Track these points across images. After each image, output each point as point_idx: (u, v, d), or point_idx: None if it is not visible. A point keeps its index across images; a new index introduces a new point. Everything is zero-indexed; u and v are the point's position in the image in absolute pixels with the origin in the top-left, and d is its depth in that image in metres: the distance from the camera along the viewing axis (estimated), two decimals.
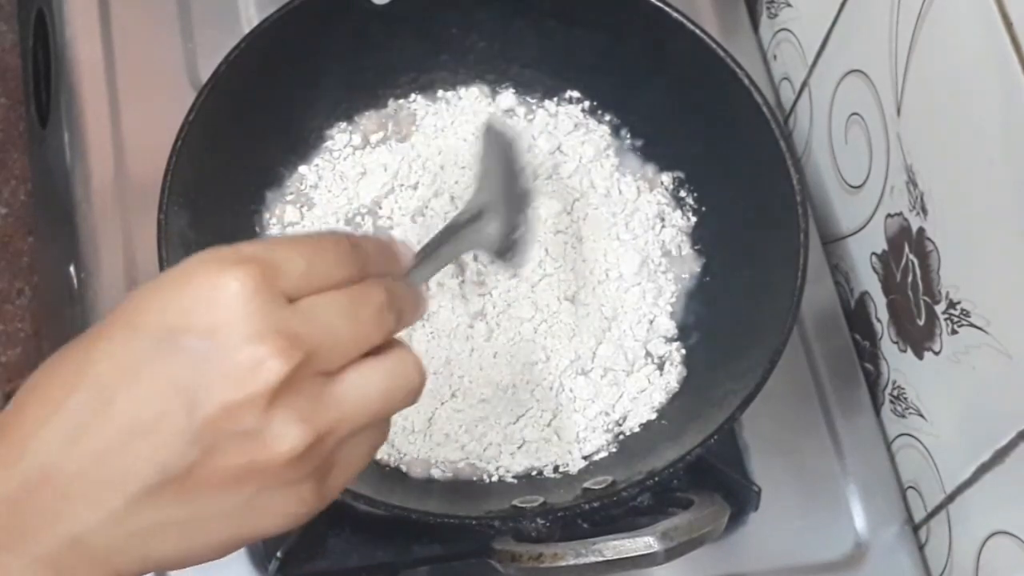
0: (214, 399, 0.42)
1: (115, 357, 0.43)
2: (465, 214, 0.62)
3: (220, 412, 0.42)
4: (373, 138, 0.80)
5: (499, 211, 0.63)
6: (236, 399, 0.42)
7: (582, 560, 0.60)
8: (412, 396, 0.47)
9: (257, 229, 0.77)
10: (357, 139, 0.80)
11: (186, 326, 0.42)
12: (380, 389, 0.45)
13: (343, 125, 0.80)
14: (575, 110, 0.82)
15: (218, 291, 0.42)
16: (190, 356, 0.42)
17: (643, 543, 0.60)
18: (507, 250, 0.64)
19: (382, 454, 0.72)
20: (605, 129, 0.82)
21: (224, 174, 0.75)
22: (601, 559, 0.60)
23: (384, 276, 0.47)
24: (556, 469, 0.73)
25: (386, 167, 0.79)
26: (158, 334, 0.42)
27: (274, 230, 0.77)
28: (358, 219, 0.78)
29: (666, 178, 0.81)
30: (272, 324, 0.42)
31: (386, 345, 0.46)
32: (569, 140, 0.81)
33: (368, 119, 0.81)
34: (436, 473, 0.72)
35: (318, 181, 0.79)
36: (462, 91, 0.82)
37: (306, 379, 0.43)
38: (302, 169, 0.79)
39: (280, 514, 0.44)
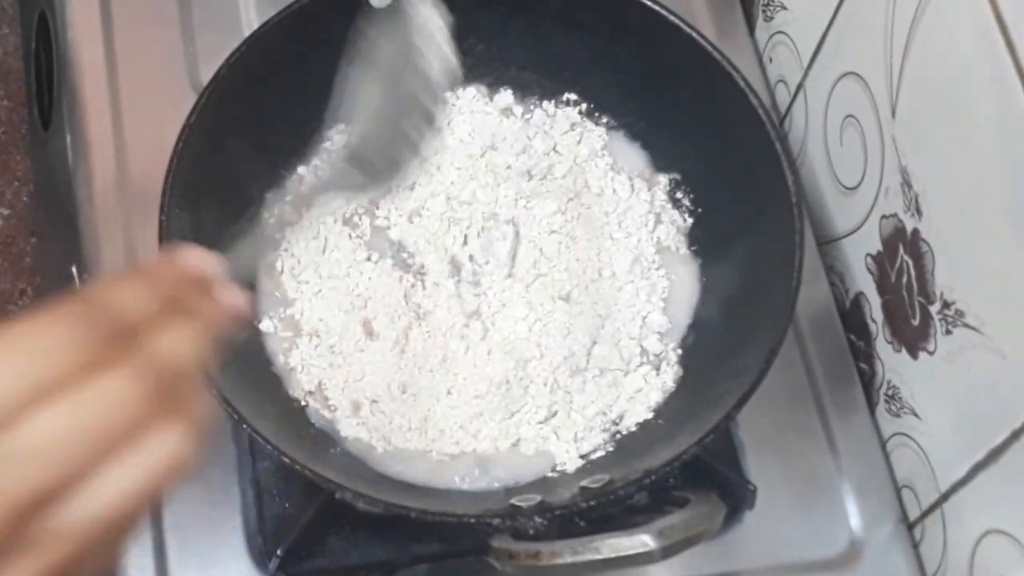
0: None
1: None
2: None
3: None
4: None
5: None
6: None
7: (579, 558, 0.61)
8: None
9: (258, 231, 0.78)
10: None
11: None
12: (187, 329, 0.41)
13: (341, 126, 0.81)
14: (572, 112, 0.83)
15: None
16: None
17: (639, 541, 0.60)
18: (387, 174, 0.61)
19: (380, 448, 0.73)
20: (602, 131, 0.82)
21: (225, 176, 0.75)
22: (598, 557, 0.60)
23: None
24: (554, 468, 0.73)
25: None
26: None
27: (272, 228, 0.78)
28: (355, 219, 0.79)
29: (663, 179, 0.81)
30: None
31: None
32: (565, 140, 0.82)
33: None
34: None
35: (316, 181, 0.79)
36: (459, 91, 0.82)
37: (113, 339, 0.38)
38: (301, 170, 0.80)
39: (157, 458, 0.38)
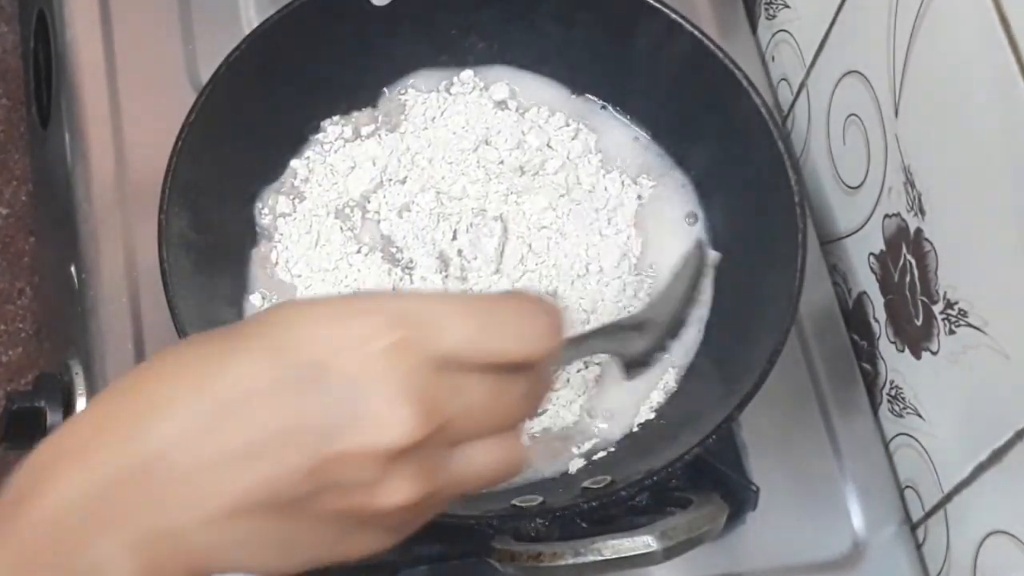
0: (340, 443, 0.42)
1: (254, 375, 0.43)
2: (630, 320, 0.65)
3: (342, 457, 0.42)
4: (364, 130, 0.80)
5: (658, 331, 0.65)
6: (361, 450, 0.42)
7: (581, 559, 0.60)
8: (508, 480, 0.48)
9: (257, 230, 0.77)
10: (348, 131, 0.80)
11: (332, 366, 0.42)
12: (490, 470, 0.46)
13: (336, 118, 0.81)
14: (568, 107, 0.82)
15: (373, 341, 0.42)
16: (329, 397, 0.42)
17: (642, 542, 0.60)
18: (636, 365, 0.65)
19: None
20: (596, 126, 0.82)
21: (224, 174, 0.75)
22: (600, 558, 0.60)
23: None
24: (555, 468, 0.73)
25: (375, 161, 0.79)
26: (302, 365, 0.43)
27: (266, 220, 0.77)
28: (347, 211, 0.78)
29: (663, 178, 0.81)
30: (416, 390, 0.42)
31: (506, 432, 0.47)
32: (559, 136, 0.81)
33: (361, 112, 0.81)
34: None
35: (309, 175, 0.79)
36: (456, 76, 0.82)
37: (431, 445, 0.43)
38: (294, 163, 0.79)
39: (363, 548, 0.45)
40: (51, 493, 0.43)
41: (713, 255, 0.76)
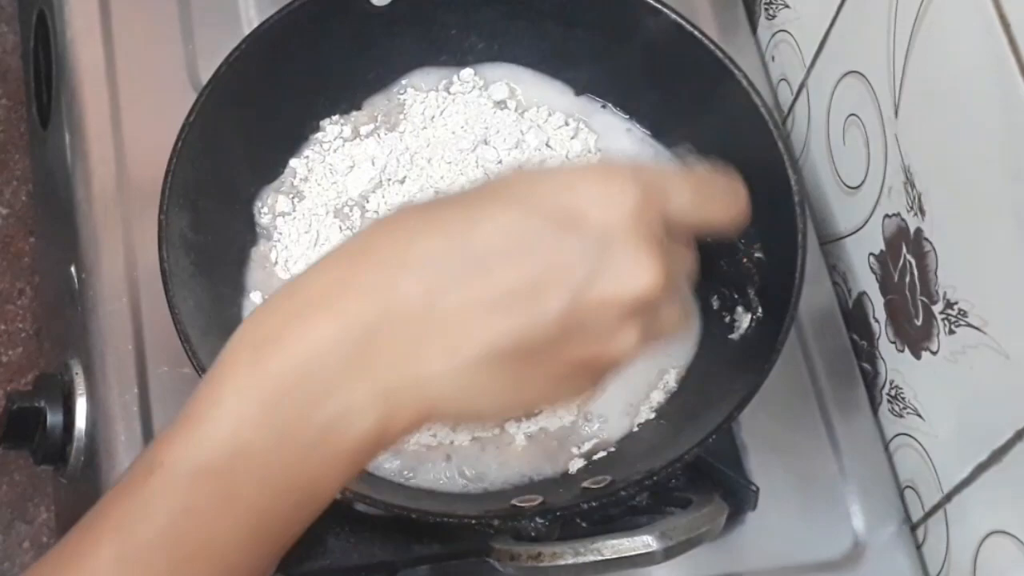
0: (594, 291, 0.44)
1: (506, 226, 0.45)
2: None
3: (595, 303, 0.44)
4: (363, 130, 0.80)
5: None
6: (611, 298, 0.44)
7: (581, 559, 0.60)
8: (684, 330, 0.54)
9: (257, 229, 0.77)
10: (348, 131, 0.80)
11: (583, 216, 0.44)
12: (675, 325, 0.49)
13: (336, 117, 0.80)
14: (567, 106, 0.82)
15: (620, 196, 0.45)
16: (582, 244, 0.44)
17: (641, 542, 0.60)
18: None
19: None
20: (596, 126, 0.82)
21: (224, 174, 0.75)
22: (600, 558, 0.60)
23: None
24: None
25: (374, 160, 0.79)
26: (554, 215, 0.45)
27: (266, 219, 0.77)
28: (346, 210, 0.78)
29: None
30: (656, 244, 0.45)
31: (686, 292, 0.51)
32: (558, 135, 0.81)
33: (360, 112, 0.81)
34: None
35: (308, 174, 0.79)
36: (457, 75, 0.82)
37: (661, 299, 0.46)
38: (293, 162, 0.79)
39: (570, 396, 0.49)
40: (301, 339, 0.44)
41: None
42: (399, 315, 0.44)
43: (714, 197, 0.50)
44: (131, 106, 0.84)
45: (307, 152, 0.80)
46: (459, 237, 0.45)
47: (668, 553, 0.61)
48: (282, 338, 0.45)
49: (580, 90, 0.82)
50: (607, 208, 0.45)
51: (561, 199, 0.45)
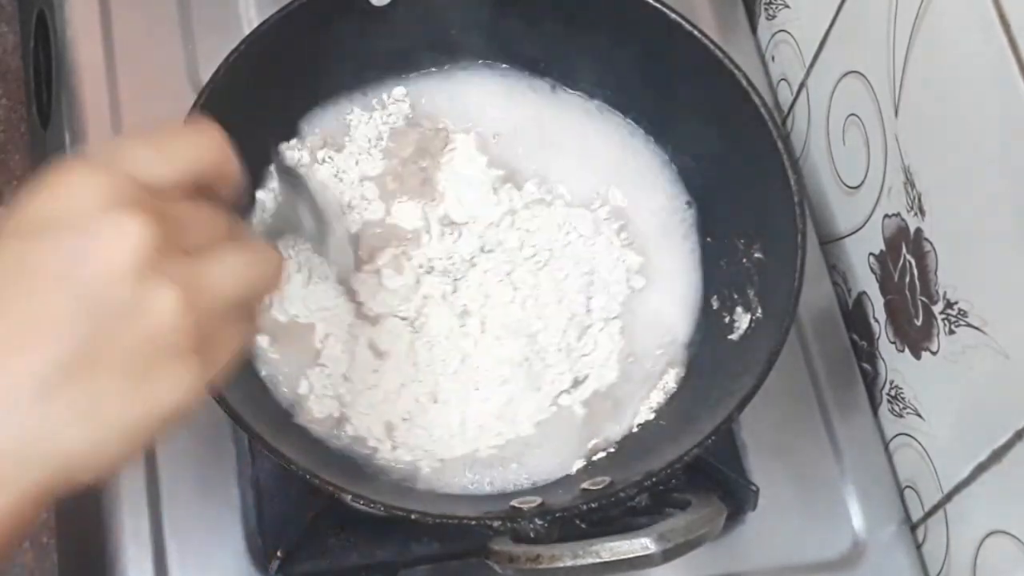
0: (89, 274, 0.44)
1: (2, 262, 0.45)
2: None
3: (97, 286, 0.44)
4: (319, 154, 0.79)
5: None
6: (108, 269, 0.44)
7: (579, 561, 0.60)
8: (272, 278, 0.51)
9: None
10: (306, 156, 0.79)
11: (52, 220, 0.45)
12: (240, 264, 0.49)
13: (293, 141, 0.79)
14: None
15: (74, 184, 0.45)
16: (61, 244, 0.44)
17: (640, 544, 0.60)
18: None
19: (427, 467, 0.73)
20: None
21: None
22: (598, 560, 0.60)
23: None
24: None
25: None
26: (29, 234, 0.45)
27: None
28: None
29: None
30: (128, 197, 0.45)
31: (244, 239, 0.51)
32: None
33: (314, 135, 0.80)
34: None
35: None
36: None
37: (169, 251, 0.45)
38: (260, 195, 0.77)
39: (172, 388, 0.46)
40: None
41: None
42: None
43: (173, 142, 0.49)
44: (131, 106, 0.84)
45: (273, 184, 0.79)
46: None
47: (667, 555, 0.60)
48: None
49: (580, 90, 0.82)
50: (64, 200, 0.45)
51: (27, 217, 0.45)
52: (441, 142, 0.80)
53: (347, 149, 0.79)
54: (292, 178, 0.69)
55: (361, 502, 0.64)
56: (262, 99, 0.75)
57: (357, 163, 0.79)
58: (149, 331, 0.45)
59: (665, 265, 0.79)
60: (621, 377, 0.76)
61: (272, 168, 0.72)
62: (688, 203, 0.80)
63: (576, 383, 0.75)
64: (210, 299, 0.47)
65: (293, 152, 0.78)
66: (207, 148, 0.50)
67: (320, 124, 0.80)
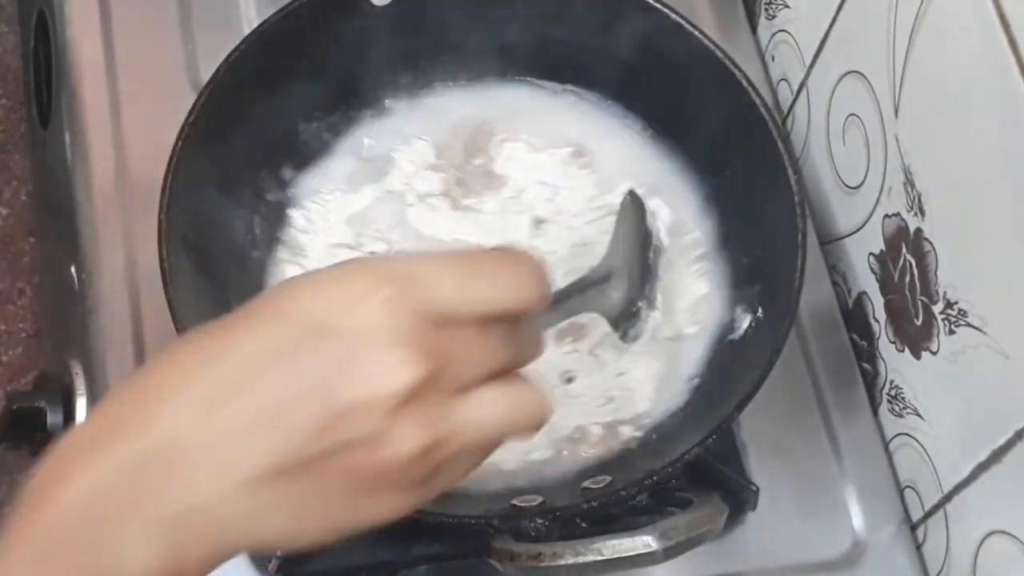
0: (345, 397, 0.44)
1: (259, 340, 0.45)
2: (594, 274, 0.65)
3: (348, 410, 0.44)
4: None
5: (625, 278, 0.65)
6: (365, 399, 0.44)
7: (581, 559, 0.60)
8: (532, 426, 0.49)
9: (257, 231, 0.77)
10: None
11: (330, 324, 0.44)
12: (500, 411, 0.47)
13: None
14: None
15: (367, 298, 0.44)
16: (330, 353, 0.44)
17: (641, 542, 0.60)
18: (625, 320, 0.67)
19: None
20: None
21: (224, 175, 0.75)
22: (600, 558, 0.60)
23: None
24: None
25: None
26: (303, 326, 0.45)
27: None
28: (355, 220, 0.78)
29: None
30: (409, 336, 0.44)
31: (513, 377, 0.49)
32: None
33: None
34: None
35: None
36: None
37: (433, 391, 0.45)
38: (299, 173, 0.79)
39: (381, 511, 0.46)
40: (70, 486, 0.44)
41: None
42: (160, 449, 0.44)
43: (490, 276, 0.47)
44: (131, 106, 0.84)
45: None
46: (213, 361, 0.45)
47: (668, 553, 0.61)
48: (53, 487, 0.44)
49: (580, 90, 0.82)
50: (351, 311, 0.44)
51: (308, 310, 0.45)
52: (485, 136, 0.80)
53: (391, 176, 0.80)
54: (637, 228, 0.68)
55: None
56: (262, 99, 0.75)
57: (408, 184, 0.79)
58: (379, 464, 0.45)
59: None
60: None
61: (622, 210, 0.69)
62: (688, 203, 0.80)
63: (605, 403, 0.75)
64: (457, 446, 0.46)
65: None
66: (519, 289, 0.48)
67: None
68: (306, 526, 0.46)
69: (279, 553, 0.71)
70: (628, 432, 0.74)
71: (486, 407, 0.47)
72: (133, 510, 0.44)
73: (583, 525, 0.68)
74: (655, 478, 0.66)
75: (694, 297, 0.78)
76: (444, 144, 0.80)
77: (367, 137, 0.81)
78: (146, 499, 0.44)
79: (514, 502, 0.68)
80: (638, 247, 0.68)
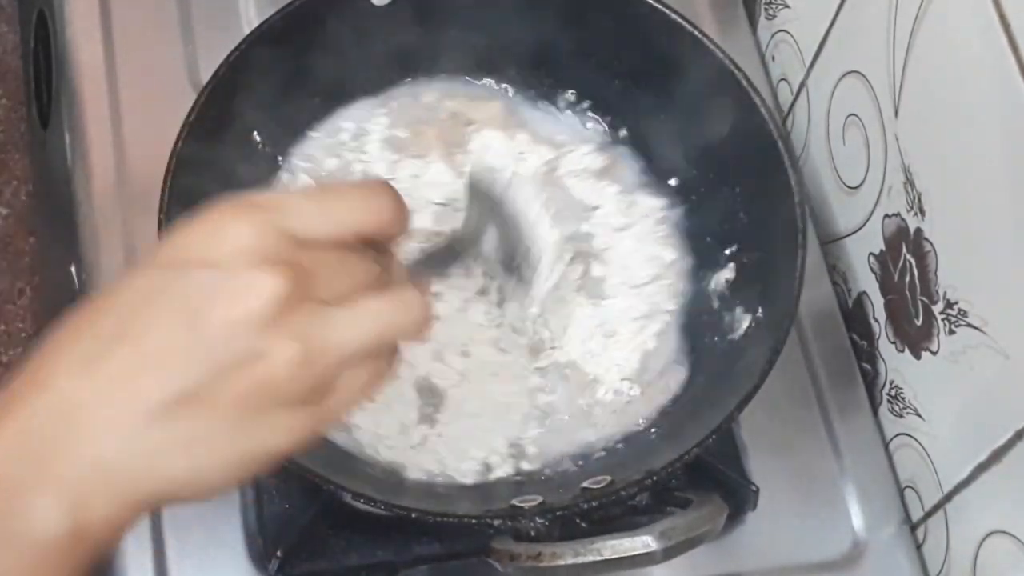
0: (216, 317, 0.45)
1: (132, 290, 0.47)
2: (461, 231, 0.67)
3: (221, 330, 0.45)
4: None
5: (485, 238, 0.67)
6: (235, 316, 0.45)
7: (580, 559, 0.60)
8: (414, 326, 0.50)
9: None
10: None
11: (196, 258, 0.46)
12: (375, 313, 0.49)
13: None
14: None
15: (226, 228, 0.46)
16: (198, 282, 0.46)
17: (641, 543, 0.60)
18: (512, 263, 0.69)
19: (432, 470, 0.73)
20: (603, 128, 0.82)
21: (224, 174, 0.75)
22: (599, 558, 0.60)
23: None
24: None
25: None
26: (172, 267, 0.47)
27: None
28: None
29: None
30: (272, 254, 0.46)
31: (387, 285, 0.50)
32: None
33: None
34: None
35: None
36: None
37: (301, 303, 0.46)
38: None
39: (277, 435, 0.47)
40: None
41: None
42: (59, 409, 0.45)
43: (345, 201, 0.49)
44: (131, 106, 0.84)
45: (309, 151, 0.80)
46: (97, 316, 0.47)
47: (667, 553, 0.61)
48: None
49: (579, 89, 0.82)
50: (216, 243, 0.46)
51: (177, 250, 0.47)
52: (460, 130, 0.81)
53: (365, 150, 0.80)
54: (486, 199, 0.69)
55: (361, 500, 0.64)
56: (263, 98, 0.75)
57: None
58: (262, 381, 0.46)
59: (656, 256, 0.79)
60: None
61: (466, 186, 0.70)
62: (688, 203, 0.80)
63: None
64: (333, 353, 0.47)
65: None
66: (377, 214, 0.50)
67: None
68: (205, 462, 0.46)
69: (279, 554, 0.71)
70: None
71: (360, 312, 0.48)
72: (35, 474, 0.45)
73: (583, 525, 0.68)
74: (654, 478, 0.65)
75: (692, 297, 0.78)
76: (417, 129, 0.81)
77: (368, 135, 0.81)
78: (45, 461, 0.45)
79: (514, 502, 0.68)
80: (488, 209, 0.69)
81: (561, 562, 0.61)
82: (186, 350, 0.45)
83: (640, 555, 0.60)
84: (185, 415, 0.45)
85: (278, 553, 0.72)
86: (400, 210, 0.51)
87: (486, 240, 0.68)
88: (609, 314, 0.77)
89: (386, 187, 0.51)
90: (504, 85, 0.83)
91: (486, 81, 0.83)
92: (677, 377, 0.76)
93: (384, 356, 0.50)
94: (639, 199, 0.81)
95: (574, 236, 0.78)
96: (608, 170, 0.81)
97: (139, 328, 0.46)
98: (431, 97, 0.82)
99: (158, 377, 0.45)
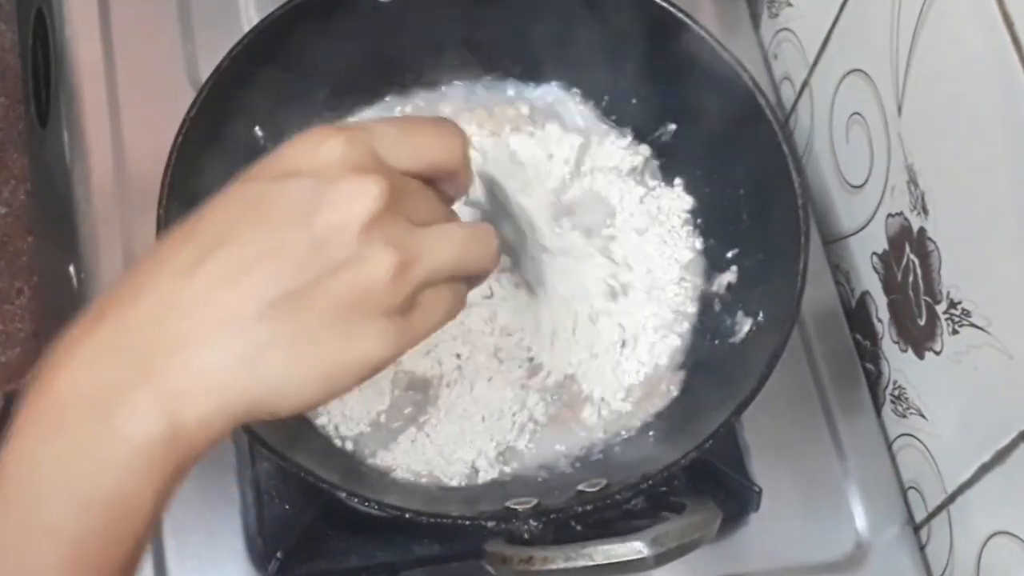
0: (320, 221, 0.47)
1: (234, 200, 0.49)
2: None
3: (324, 235, 0.47)
4: None
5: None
6: (337, 221, 0.47)
7: (572, 564, 0.60)
8: (488, 259, 0.53)
9: None
10: None
11: (296, 168, 0.48)
12: (458, 239, 0.51)
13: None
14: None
15: (323, 142, 0.49)
16: (299, 190, 0.48)
17: (632, 548, 0.60)
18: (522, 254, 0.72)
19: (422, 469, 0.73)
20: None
21: (224, 173, 0.74)
22: (590, 563, 0.60)
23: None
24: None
25: None
26: (272, 177, 0.49)
27: None
28: None
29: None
30: (368, 165, 0.48)
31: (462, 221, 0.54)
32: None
33: None
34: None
35: None
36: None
37: (397, 216, 0.48)
38: None
39: (373, 342, 0.48)
40: (69, 365, 0.46)
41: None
42: (165, 307, 0.46)
43: (420, 133, 0.52)
44: (130, 105, 0.84)
45: None
46: (201, 226, 0.48)
47: (659, 560, 0.60)
48: (59, 367, 0.47)
49: (582, 88, 0.82)
50: (314, 156, 0.48)
51: (276, 164, 0.49)
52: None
53: None
54: (495, 195, 0.70)
55: (356, 500, 0.64)
56: (263, 95, 0.75)
57: None
58: (361, 286, 0.47)
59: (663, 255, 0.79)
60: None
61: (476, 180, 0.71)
62: (688, 203, 0.80)
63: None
64: (425, 267, 0.49)
65: None
66: (449, 149, 0.52)
67: None
68: (301, 367, 0.47)
69: (279, 555, 0.71)
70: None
71: (445, 234, 0.51)
72: (134, 373, 0.46)
73: (577, 528, 0.67)
74: (650, 482, 0.65)
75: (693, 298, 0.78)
76: None
77: None
78: (145, 360, 0.46)
79: (508, 504, 0.67)
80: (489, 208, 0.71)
81: (552, 566, 0.60)
82: (289, 253, 0.47)
83: (632, 560, 0.60)
84: (286, 317, 0.46)
85: (278, 554, 0.72)
86: (467, 153, 0.53)
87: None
88: (632, 321, 0.77)
89: (458, 128, 0.53)
90: (506, 84, 0.83)
91: (486, 80, 0.82)
92: (676, 380, 0.76)
93: (464, 286, 0.53)
94: (661, 201, 0.81)
95: (591, 232, 0.78)
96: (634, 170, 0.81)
97: (242, 233, 0.47)
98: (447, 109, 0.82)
99: (261, 278, 0.46)
